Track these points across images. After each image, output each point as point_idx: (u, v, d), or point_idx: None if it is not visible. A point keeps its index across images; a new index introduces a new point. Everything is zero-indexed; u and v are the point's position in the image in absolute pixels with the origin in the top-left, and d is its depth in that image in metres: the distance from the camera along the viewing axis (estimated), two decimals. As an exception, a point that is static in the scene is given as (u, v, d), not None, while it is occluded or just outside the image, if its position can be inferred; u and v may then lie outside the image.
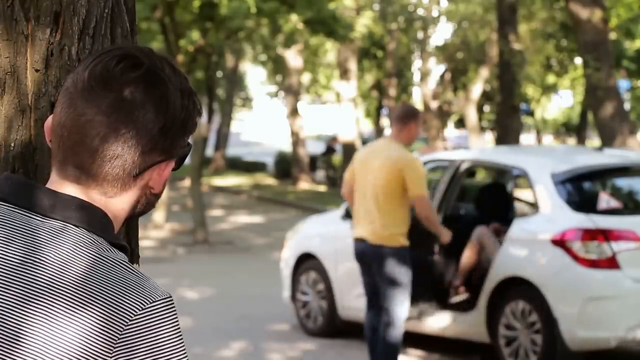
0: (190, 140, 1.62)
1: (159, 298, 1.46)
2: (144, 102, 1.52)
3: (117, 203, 1.56)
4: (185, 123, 1.57)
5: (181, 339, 1.48)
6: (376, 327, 7.37)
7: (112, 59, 1.53)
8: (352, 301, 9.18)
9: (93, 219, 1.52)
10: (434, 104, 33.39)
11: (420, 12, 34.82)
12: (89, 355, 1.42)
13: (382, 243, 7.21)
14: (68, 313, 1.43)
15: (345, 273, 9.30)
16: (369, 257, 7.27)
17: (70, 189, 1.53)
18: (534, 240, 7.76)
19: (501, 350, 7.90)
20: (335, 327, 9.37)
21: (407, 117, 7.27)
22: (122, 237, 1.91)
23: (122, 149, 1.51)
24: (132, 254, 1.98)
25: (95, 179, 1.53)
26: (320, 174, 31.55)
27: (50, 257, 1.47)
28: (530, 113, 39.50)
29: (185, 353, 1.48)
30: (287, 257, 9.86)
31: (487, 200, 9.10)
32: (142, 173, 1.55)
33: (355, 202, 7.35)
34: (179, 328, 1.48)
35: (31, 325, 1.43)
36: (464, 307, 8.16)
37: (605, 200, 7.76)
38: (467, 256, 8.30)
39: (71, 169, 1.53)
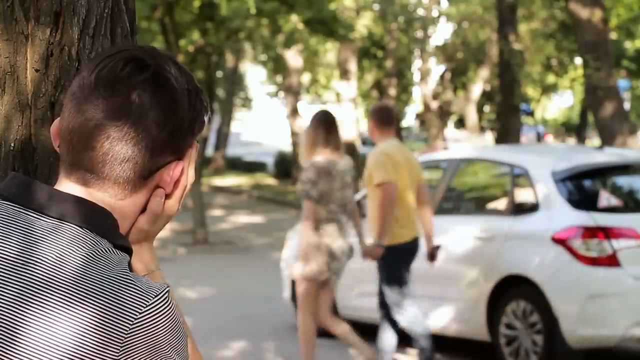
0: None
1: (159, 291, 1.48)
2: (152, 105, 1.53)
3: (127, 205, 1.57)
4: (193, 122, 1.58)
5: (182, 327, 1.52)
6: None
7: (118, 62, 1.54)
8: (353, 301, 9.19)
9: (93, 218, 1.53)
10: (434, 104, 33.40)
11: (420, 12, 34.83)
12: (86, 352, 1.42)
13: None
14: (63, 310, 1.43)
15: (346, 273, 9.30)
16: None
17: (80, 192, 1.54)
18: (535, 238, 7.77)
19: (502, 349, 7.90)
20: (335, 327, 9.36)
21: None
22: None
23: (133, 152, 1.52)
24: (130, 253, 1.98)
25: (107, 182, 1.54)
26: (321, 174, 31.49)
27: (46, 254, 1.48)
28: (530, 113, 39.51)
29: (185, 340, 1.52)
30: (287, 257, 9.87)
31: None
32: (152, 174, 1.56)
33: None
34: (179, 317, 1.51)
35: (28, 322, 1.44)
36: None
37: (605, 198, 7.77)
38: None
39: (81, 173, 1.54)
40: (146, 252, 1.67)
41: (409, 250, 7.47)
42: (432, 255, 7.74)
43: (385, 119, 7.58)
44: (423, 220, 7.64)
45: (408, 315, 7.46)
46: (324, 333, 9.36)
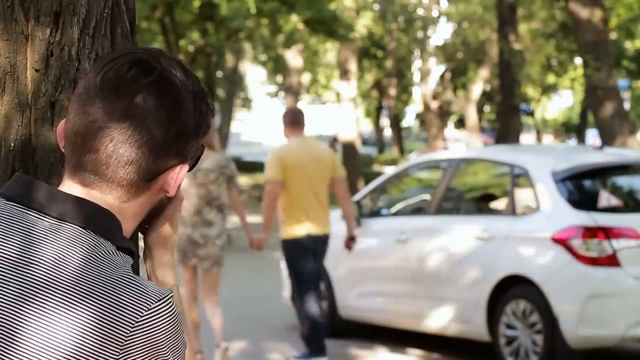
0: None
1: (163, 295, 1.49)
2: (157, 108, 1.52)
3: (131, 207, 1.57)
4: (199, 126, 1.58)
5: (182, 333, 1.53)
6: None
7: (124, 64, 1.54)
8: (353, 301, 9.19)
9: (94, 219, 1.53)
10: (434, 104, 33.40)
11: (420, 12, 34.84)
12: (86, 353, 1.43)
13: None
14: (63, 310, 1.43)
15: (346, 273, 9.31)
16: None
17: (83, 194, 1.54)
18: (535, 239, 7.77)
19: (501, 349, 7.90)
20: (335, 327, 9.37)
21: None
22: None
23: (137, 155, 1.52)
24: (132, 255, 1.98)
25: (110, 184, 1.54)
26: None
27: (46, 254, 1.48)
28: (530, 113, 39.52)
29: (183, 346, 1.53)
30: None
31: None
32: (156, 177, 1.56)
33: None
34: (180, 322, 1.52)
35: (28, 322, 1.44)
36: None
37: (605, 198, 7.77)
38: None
39: (85, 175, 1.54)
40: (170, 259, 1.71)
41: (304, 245, 7.83)
42: (347, 245, 8.22)
43: (290, 120, 7.99)
44: (343, 213, 8.24)
45: (308, 305, 7.89)
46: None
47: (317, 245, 7.88)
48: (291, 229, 7.85)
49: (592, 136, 39.71)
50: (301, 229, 7.82)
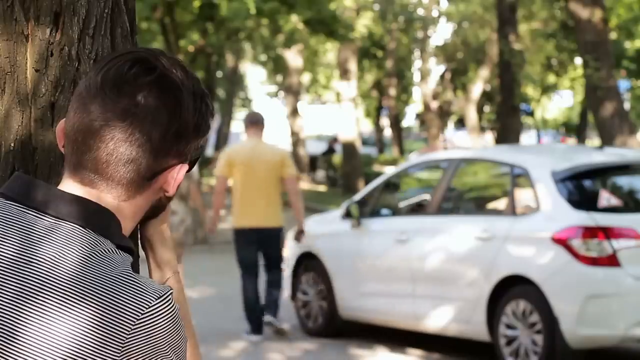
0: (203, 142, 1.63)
1: (162, 293, 1.49)
2: (158, 107, 1.53)
3: (130, 206, 1.57)
4: (198, 126, 1.58)
5: (183, 330, 1.53)
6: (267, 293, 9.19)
7: (125, 63, 1.54)
8: (353, 301, 9.19)
9: (93, 217, 1.53)
10: (434, 104, 33.40)
11: (420, 12, 34.85)
12: (86, 352, 1.43)
13: None
14: (62, 309, 1.44)
15: (346, 273, 9.31)
16: None
17: (83, 192, 1.54)
18: (535, 239, 7.77)
19: (501, 349, 7.90)
20: (335, 327, 9.38)
21: None
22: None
23: (137, 153, 1.52)
24: (132, 254, 1.98)
25: (110, 183, 1.54)
26: (320, 174, 31.56)
27: (44, 253, 1.48)
28: (530, 113, 39.50)
29: (185, 342, 1.53)
30: (288, 257, 9.87)
31: None
32: (156, 176, 1.56)
33: None
34: (180, 319, 1.52)
35: (27, 322, 1.44)
36: None
37: (605, 198, 7.77)
38: None
39: (85, 173, 1.54)
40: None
41: (245, 236, 8.92)
42: (296, 237, 9.36)
43: (248, 121, 9.11)
44: (294, 209, 9.16)
45: (245, 288, 9.09)
46: (324, 333, 9.38)
47: (261, 237, 8.93)
48: (236, 220, 8.97)
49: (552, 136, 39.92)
50: (244, 221, 8.94)
